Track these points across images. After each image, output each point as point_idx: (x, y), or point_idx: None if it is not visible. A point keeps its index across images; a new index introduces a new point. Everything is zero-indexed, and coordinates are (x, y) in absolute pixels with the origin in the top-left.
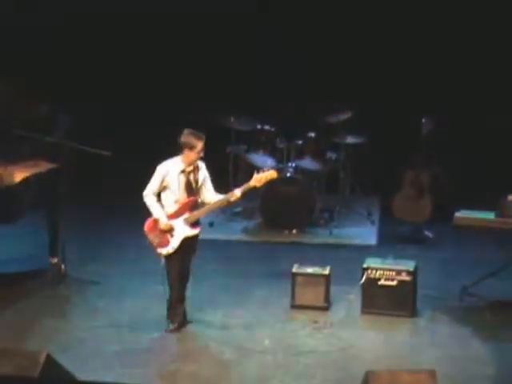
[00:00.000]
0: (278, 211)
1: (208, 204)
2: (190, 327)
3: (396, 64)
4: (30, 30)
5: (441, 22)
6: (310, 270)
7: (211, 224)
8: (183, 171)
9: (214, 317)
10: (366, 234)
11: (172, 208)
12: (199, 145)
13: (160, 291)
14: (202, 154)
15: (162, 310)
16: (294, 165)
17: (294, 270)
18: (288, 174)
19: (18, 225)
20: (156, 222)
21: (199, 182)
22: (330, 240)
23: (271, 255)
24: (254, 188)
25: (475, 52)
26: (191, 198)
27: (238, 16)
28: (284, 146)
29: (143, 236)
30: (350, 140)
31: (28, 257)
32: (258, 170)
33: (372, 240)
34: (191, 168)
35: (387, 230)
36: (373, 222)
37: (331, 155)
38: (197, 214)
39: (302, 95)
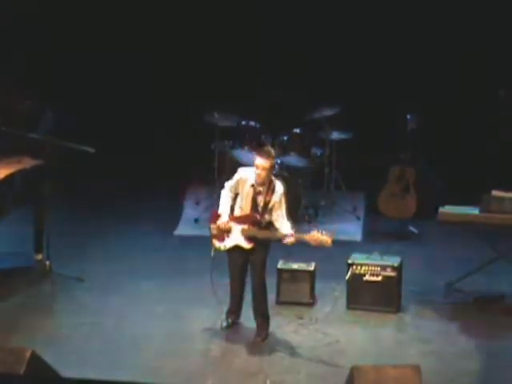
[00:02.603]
0: None
1: (270, 228)
2: (174, 323)
3: (382, 61)
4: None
5: (428, 19)
6: (295, 265)
7: (196, 220)
8: (253, 185)
9: (199, 313)
10: (351, 229)
11: (238, 212)
12: (255, 162)
13: (145, 289)
14: (258, 171)
15: (146, 307)
16: (278, 161)
17: (279, 266)
18: None
19: (2, 222)
20: (219, 216)
21: (269, 205)
22: None
23: None
24: (306, 242)
25: (460, 51)
26: (253, 215)
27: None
28: (269, 142)
29: (128, 233)
30: (336, 136)
31: (13, 253)
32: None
33: (357, 236)
34: (261, 188)
35: (372, 226)
36: (358, 218)
37: (316, 151)
38: (254, 231)
39: (287, 91)
